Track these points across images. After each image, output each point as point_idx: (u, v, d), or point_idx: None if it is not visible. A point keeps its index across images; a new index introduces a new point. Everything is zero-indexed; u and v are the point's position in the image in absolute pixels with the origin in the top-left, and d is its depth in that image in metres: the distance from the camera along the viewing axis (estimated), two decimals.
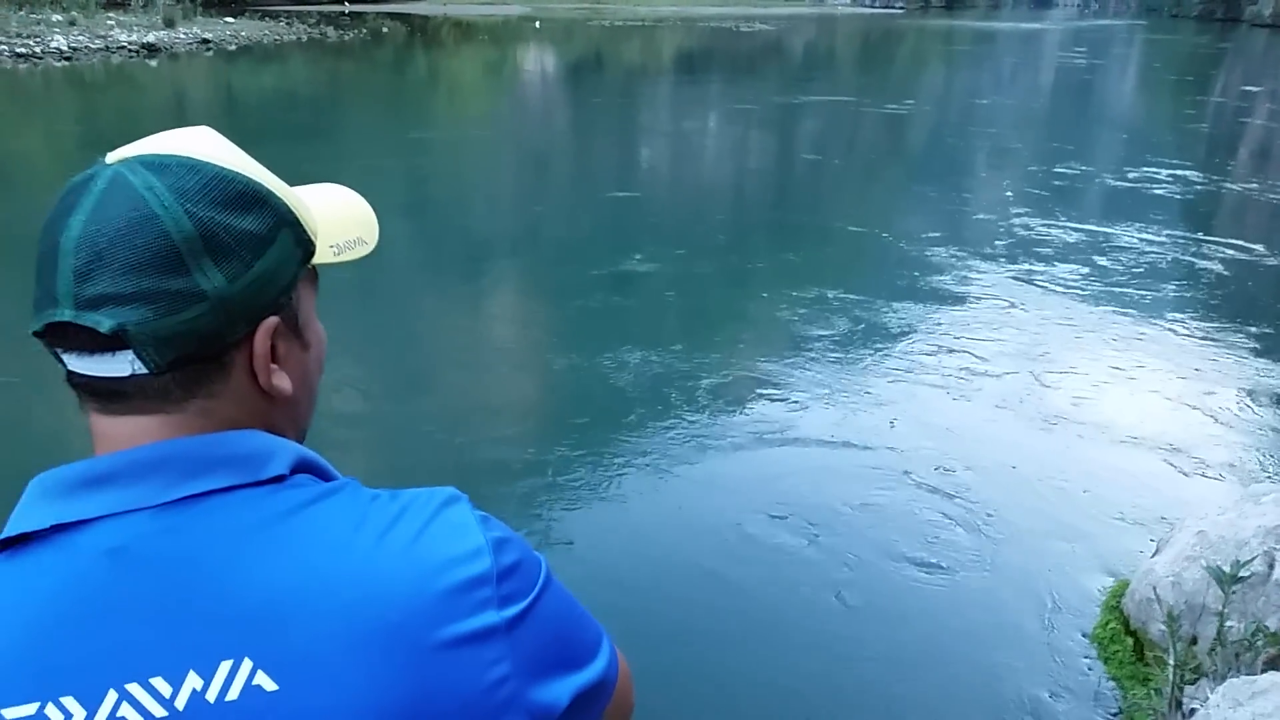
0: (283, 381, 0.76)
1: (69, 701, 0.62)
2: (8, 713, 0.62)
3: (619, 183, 13.77)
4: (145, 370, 0.68)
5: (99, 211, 0.67)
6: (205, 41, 29.09)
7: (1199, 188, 13.80)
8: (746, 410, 5.86)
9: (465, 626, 0.67)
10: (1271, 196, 13.31)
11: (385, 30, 38.73)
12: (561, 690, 0.72)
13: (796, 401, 5.99)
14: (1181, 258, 9.94)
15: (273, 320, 0.74)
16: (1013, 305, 7.99)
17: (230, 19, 34.21)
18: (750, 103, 22.29)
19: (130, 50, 26.07)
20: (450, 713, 0.65)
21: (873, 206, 12.97)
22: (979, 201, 12.96)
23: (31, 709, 0.62)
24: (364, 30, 37.06)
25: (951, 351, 6.93)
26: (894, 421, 5.74)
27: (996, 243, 10.26)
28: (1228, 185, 14.08)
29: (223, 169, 0.71)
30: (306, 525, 0.68)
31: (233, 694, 0.62)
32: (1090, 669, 3.76)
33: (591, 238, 10.58)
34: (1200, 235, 10.92)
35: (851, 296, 8.09)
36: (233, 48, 29.14)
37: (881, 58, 38.91)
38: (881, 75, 31.84)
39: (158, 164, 0.69)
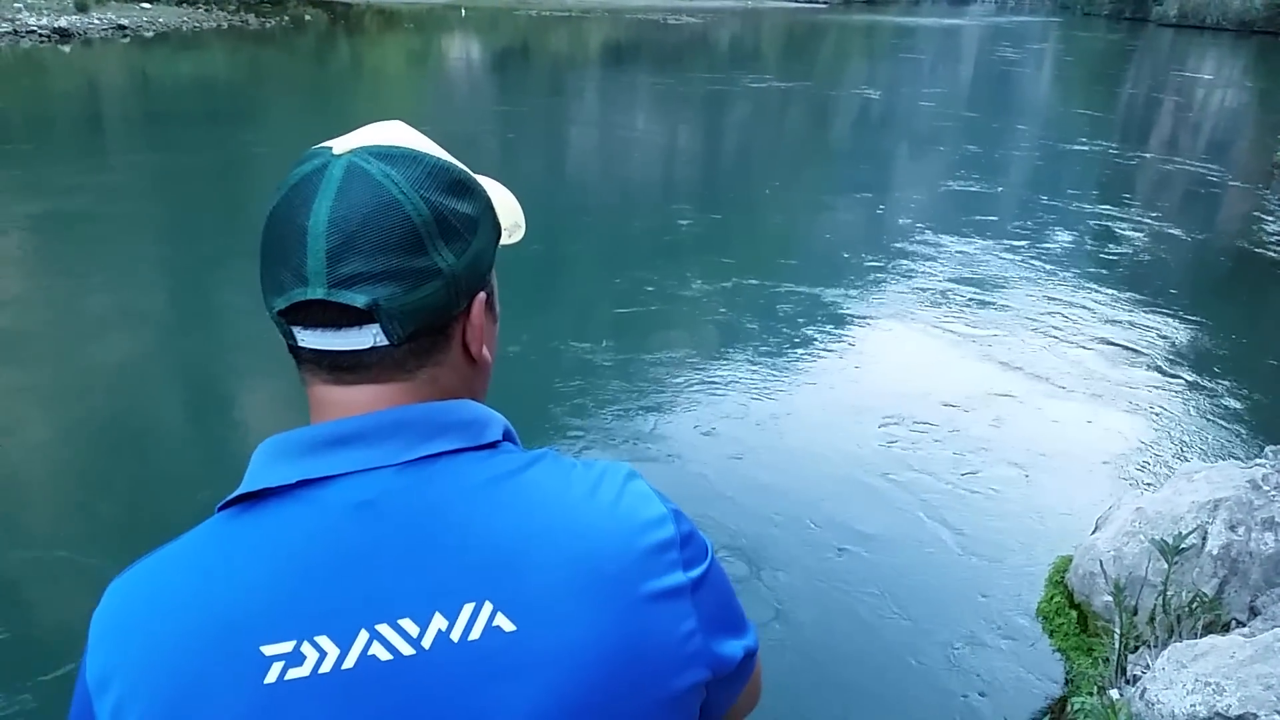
0: (486, 351, 0.83)
1: (323, 640, 0.67)
2: (266, 649, 0.67)
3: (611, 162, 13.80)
4: (386, 342, 0.74)
5: (343, 198, 0.72)
6: (121, 27, 28.13)
7: (1127, 163, 14.63)
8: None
9: (662, 583, 0.73)
10: (1188, 171, 14.04)
11: (307, 18, 37.87)
12: (735, 648, 0.79)
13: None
14: (1116, 231, 10.47)
15: (483, 294, 0.81)
16: (940, 279, 8.23)
17: (147, 4, 33.09)
18: (703, 89, 22.40)
19: (41, 35, 25.10)
20: (653, 658, 0.72)
21: (844, 180, 13.34)
22: (934, 172, 13.59)
23: (288, 646, 0.67)
24: (285, 18, 36.18)
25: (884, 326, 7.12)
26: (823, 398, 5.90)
27: (942, 208, 10.79)
28: (1151, 161, 14.88)
29: (438, 159, 0.77)
30: (527, 485, 0.74)
31: (475, 634, 0.68)
32: (1036, 641, 3.93)
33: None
34: (1129, 209, 11.61)
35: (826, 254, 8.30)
36: (150, 34, 28.24)
37: (818, 51, 39.40)
38: (826, 67, 32.32)
39: (386, 154, 0.74)
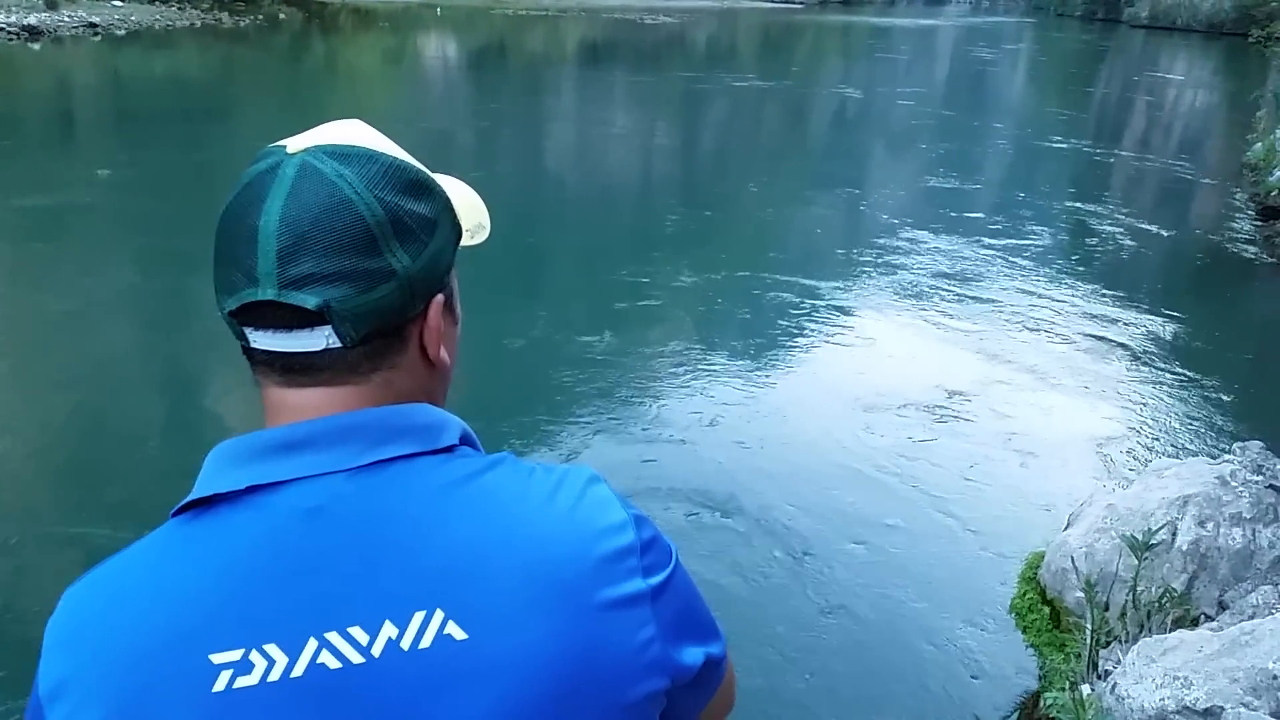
0: (444, 354, 0.82)
1: (272, 648, 0.66)
2: (215, 657, 0.66)
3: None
4: (339, 345, 0.73)
5: (295, 198, 0.70)
6: (92, 25, 27.80)
7: (1102, 162, 15.08)
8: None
9: (619, 591, 0.72)
10: (1161, 170, 14.27)
11: (282, 16, 37.57)
12: (696, 655, 0.77)
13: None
14: (1091, 228, 10.70)
15: (441, 296, 0.79)
16: (922, 274, 8.29)
17: (118, 2, 32.72)
18: (685, 88, 22.40)
19: (9, 32, 24.77)
20: (609, 667, 0.71)
21: (841, 173, 13.57)
22: (915, 169, 14.04)
23: (237, 654, 0.66)
24: (259, 17, 35.88)
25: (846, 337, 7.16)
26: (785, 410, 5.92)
27: (924, 205, 11.29)
28: (1125, 160, 15.19)
29: (395, 158, 0.76)
30: (482, 491, 0.73)
31: (425, 642, 0.67)
32: (1010, 638, 3.95)
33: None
34: (1104, 207, 11.87)
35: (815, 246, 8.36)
36: (121, 33, 27.96)
37: (797, 51, 39.46)
38: (806, 66, 32.46)
39: (341, 154, 0.73)
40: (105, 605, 0.70)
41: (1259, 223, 11.21)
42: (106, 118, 16.47)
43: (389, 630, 0.67)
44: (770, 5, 68.95)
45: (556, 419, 5.66)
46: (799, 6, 70.99)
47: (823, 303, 7.94)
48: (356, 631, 0.67)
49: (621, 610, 0.72)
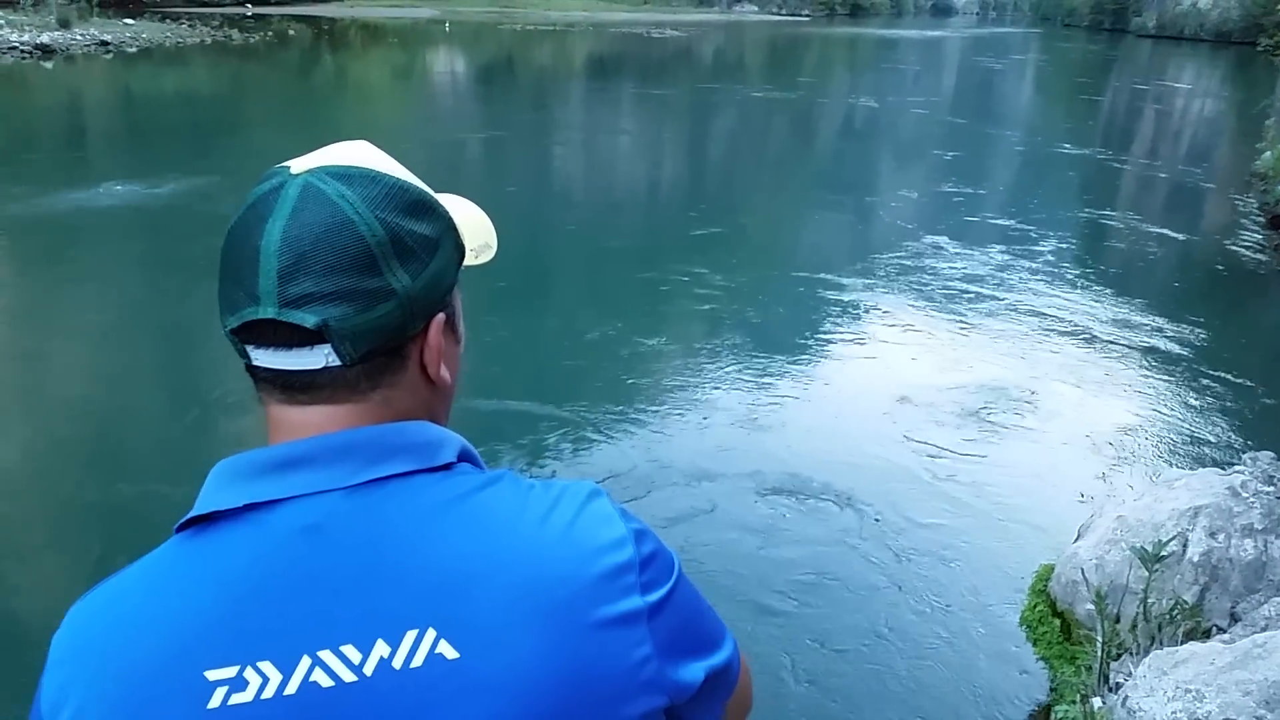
0: (445, 373, 0.82)
1: (266, 665, 0.67)
2: (210, 674, 0.66)
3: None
4: (339, 363, 0.73)
5: (297, 217, 0.71)
6: (104, 43, 28.11)
7: (1112, 170, 15.25)
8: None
9: (615, 609, 0.71)
10: (1171, 179, 14.32)
11: (291, 33, 37.91)
12: (696, 671, 0.76)
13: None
14: (1103, 238, 10.81)
15: (442, 316, 0.80)
16: (941, 279, 8.31)
17: (130, 20, 33.09)
18: (705, 99, 22.45)
19: (23, 51, 25.04)
20: (603, 686, 0.70)
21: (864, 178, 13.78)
22: (934, 177, 14.38)
23: (231, 671, 0.67)
24: (269, 33, 36.22)
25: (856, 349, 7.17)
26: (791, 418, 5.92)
27: (943, 212, 11.51)
28: (1134, 169, 15.32)
29: (398, 179, 0.77)
30: (478, 508, 0.73)
31: (417, 661, 0.67)
32: (1021, 651, 3.93)
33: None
34: (1115, 216, 11.94)
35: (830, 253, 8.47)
36: (133, 50, 28.21)
37: (809, 62, 39.55)
38: (820, 78, 32.58)
39: (343, 174, 0.74)
40: (107, 622, 0.71)
41: (1269, 231, 11.19)
42: (118, 133, 16.60)
43: (381, 649, 0.67)
44: (777, 18, 69.17)
45: (623, 409, 5.92)
46: (805, 18, 71.20)
47: (856, 305, 8.19)
48: (349, 650, 0.67)
49: (616, 629, 0.71)
